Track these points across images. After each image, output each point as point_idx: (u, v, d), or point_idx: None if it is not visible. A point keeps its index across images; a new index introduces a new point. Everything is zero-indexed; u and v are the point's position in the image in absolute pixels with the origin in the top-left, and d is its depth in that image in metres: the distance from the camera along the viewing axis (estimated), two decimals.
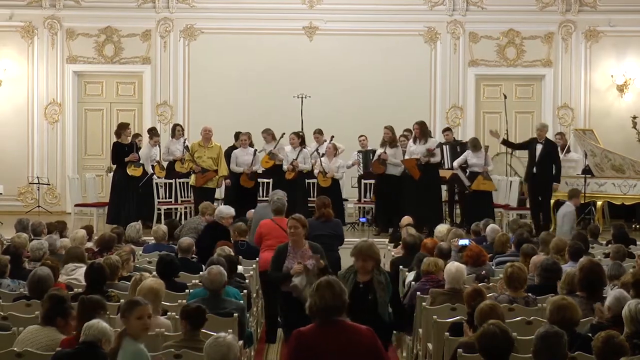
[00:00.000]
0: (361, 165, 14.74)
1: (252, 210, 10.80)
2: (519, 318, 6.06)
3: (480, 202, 13.07)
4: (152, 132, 14.54)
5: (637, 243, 10.32)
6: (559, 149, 13.82)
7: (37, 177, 16.30)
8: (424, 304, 6.78)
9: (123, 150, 13.38)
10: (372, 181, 14.03)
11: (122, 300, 6.48)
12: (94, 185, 14.98)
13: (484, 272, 7.74)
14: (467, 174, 13.39)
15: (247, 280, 7.97)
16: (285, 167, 13.60)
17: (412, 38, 16.68)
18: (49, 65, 16.65)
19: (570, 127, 16.44)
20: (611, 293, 5.73)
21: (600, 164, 14.19)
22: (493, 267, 8.35)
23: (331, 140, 14.11)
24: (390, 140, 13.36)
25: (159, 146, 14.24)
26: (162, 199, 13.69)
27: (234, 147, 14.34)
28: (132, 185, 13.45)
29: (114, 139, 13.98)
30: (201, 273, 7.81)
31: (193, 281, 7.61)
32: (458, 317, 6.17)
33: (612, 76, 16.59)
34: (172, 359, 5.22)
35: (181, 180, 13.89)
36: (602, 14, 16.50)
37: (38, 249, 8.32)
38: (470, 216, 12.78)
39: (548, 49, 16.74)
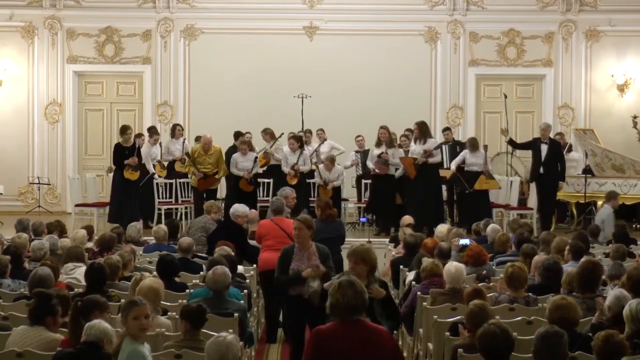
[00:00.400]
0: (360, 165, 14.74)
1: (252, 210, 10.80)
2: (519, 318, 6.06)
3: (478, 202, 13.07)
4: (152, 130, 14.55)
5: (638, 243, 10.31)
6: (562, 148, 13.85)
7: (38, 177, 16.30)
8: (424, 304, 6.78)
9: (123, 153, 13.35)
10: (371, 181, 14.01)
11: (122, 300, 6.50)
12: (94, 185, 14.97)
13: (484, 271, 7.74)
14: (463, 173, 13.37)
15: (247, 280, 7.96)
16: (286, 170, 13.61)
17: (413, 38, 16.68)
18: (49, 65, 16.65)
19: (570, 126, 16.44)
20: (611, 292, 5.73)
21: (600, 164, 14.19)
22: (493, 266, 8.35)
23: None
24: (387, 140, 13.32)
25: (160, 145, 14.25)
26: (163, 199, 13.70)
27: (234, 147, 14.35)
28: (133, 185, 13.44)
29: (117, 139, 13.98)
30: (201, 273, 7.84)
31: (194, 281, 7.61)
32: (458, 317, 6.16)
33: (612, 76, 16.59)
34: (173, 359, 5.22)
35: (181, 180, 13.90)
36: (602, 13, 16.49)
37: (39, 248, 8.32)
38: (468, 216, 12.80)
39: (548, 48, 16.74)
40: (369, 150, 14.29)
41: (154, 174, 13.87)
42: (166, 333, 5.70)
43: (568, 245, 8.13)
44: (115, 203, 13.41)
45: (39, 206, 16.13)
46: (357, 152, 14.93)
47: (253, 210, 10.93)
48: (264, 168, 14.19)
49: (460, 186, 13.39)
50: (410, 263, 8.37)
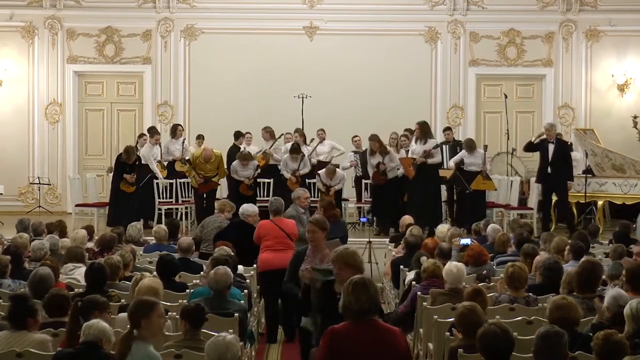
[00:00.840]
0: (359, 166, 14.72)
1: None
2: (520, 318, 6.06)
3: (475, 202, 13.08)
4: (153, 130, 14.55)
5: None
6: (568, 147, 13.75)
7: (38, 177, 16.31)
8: (424, 304, 6.78)
9: (124, 169, 13.35)
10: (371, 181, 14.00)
11: (122, 300, 6.50)
12: (94, 186, 14.97)
13: (484, 271, 7.74)
14: (463, 173, 13.36)
15: (247, 281, 7.96)
16: (287, 175, 13.61)
17: (413, 38, 16.68)
18: (50, 65, 16.66)
19: (570, 126, 16.45)
20: (608, 293, 5.70)
21: (600, 164, 14.18)
22: (494, 266, 8.34)
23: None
24: (379, 149, 13.26)
25: (160, 145, 14.25)
26: (163, 199, 13.70)
27: (234, 147, 14.35)
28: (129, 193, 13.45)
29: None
30: (202, 273, 7.83)
31: (194, 281, 7.61)
32: None
33: (612, 76, 16.59)
34: (173, 359, 5.21)
35: (182, 180, 13.90)
36: (602, 13, 16.50)
37: (39, 249, 8.31)
38: (465, 216, 12.79)
39: (549, 48, 16.74)
40: (366, 150, 14.30)
41: (154, 174, 13.82)
42: (166, 333, 5.69)
43: (568, 245, 8.13)
44: (113, 207, 13.41)
45: (39, 206, 16.14)
46: (355, 152, 14.92)
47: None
48: (261, 169, 14.13)
49: (460, 186, 13.39)
50: (410, 263, 8.37)
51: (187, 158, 13.98)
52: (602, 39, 16.60)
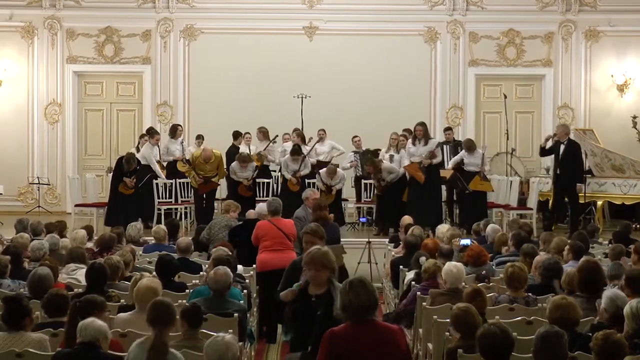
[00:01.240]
0: (359, 166, 14.72)
1: (252, 210, 10.76)
2: (519, 318, 6.05)
3: (475, 202, 13.07)
4: (152, 131, 14.54)
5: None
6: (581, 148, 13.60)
7: (37, 177, 16.31)
8: (424, 304, 6.78)
9: (124, 174, 13.37)
10: (371, 181, 14.00)
11: (122, 300, 6.50)
12: (94, 186, 14.96)
13: (484, 272, 7.73)
14: (462, 173, 13.35)
15: (247, 281, 7.95)
16: (287, 176, 13.61)
17: (412, 38, 16.68)
18: (49, 66, 16.66)
19: (570, 127, 16.42)
20: (605, 294, 5.67)
21: (600, 164, 14.18)
22: (493, 267, 8.34)
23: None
24: (374, 171, 13.29)
25: (159, 145, 14.24)
26: (163, 199, 13.69)
27: (233, 147, 14.35)
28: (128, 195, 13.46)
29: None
30: (201, 273, 7.83)
31: (193, 281, 7.60)
32: None
33: (612, 76, 16.60)
34: None
35: (181, 180, 13.89)
36: (602, 13, 16.50)
37: (39, 249, 8.31)
38: (465, 216, 12.77)
39: (548, 48, 16.74)
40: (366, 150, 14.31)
41: (156, 175, 13.78)
42: None
43: (568, 245, 8.13)
44: (111, 207, 13.40)
45: (39, 206, 16.14)
46: (355, 152, 14.91)
47: (252, 210, 10.89)
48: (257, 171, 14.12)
49: (459, 186, 13.38)
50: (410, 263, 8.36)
51: (187, 158, 13.98)
52: (602, 39, 16.60)
